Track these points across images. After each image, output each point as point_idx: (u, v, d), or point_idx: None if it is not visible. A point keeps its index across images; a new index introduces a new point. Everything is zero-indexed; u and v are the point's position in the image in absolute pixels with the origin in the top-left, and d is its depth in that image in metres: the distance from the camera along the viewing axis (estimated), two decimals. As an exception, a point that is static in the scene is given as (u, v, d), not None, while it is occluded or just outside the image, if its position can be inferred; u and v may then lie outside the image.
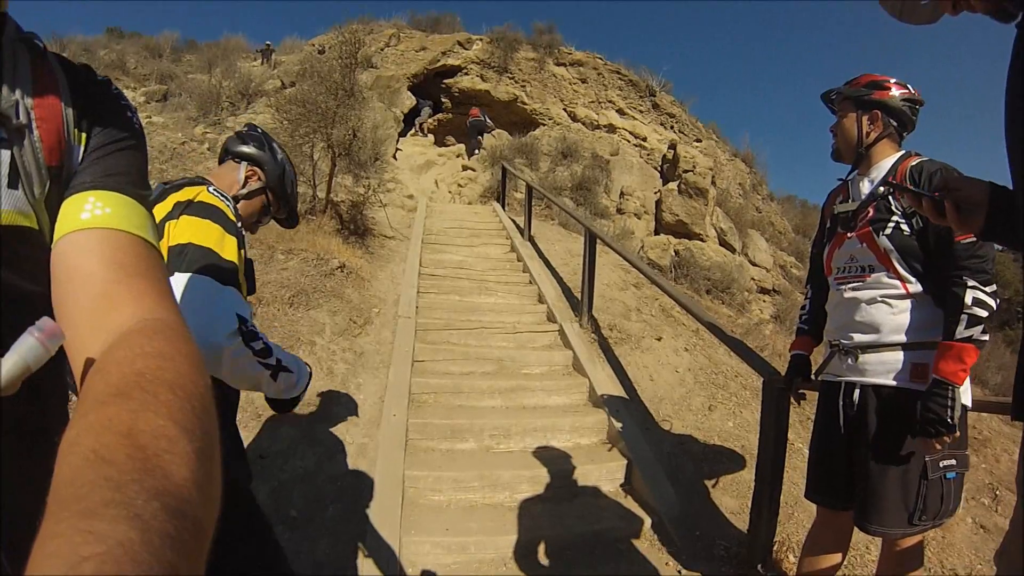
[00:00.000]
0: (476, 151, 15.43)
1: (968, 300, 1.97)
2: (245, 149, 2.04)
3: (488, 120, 15.96)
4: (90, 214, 0.70)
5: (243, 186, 2.00)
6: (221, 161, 2.11)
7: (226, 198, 1.76)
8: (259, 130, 2.16)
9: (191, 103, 12.95)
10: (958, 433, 1.99)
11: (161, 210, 1.66)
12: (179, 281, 1.50)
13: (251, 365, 1.55)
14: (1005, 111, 1.15)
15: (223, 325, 1.49)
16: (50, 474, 0.51)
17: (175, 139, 10.68)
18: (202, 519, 0.42)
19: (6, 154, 0.64)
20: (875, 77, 2.32)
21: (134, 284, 0.67)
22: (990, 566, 3.33)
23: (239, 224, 1.74)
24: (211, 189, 1.74)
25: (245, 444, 3.59)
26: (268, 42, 17.76)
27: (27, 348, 0.52)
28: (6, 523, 0.62)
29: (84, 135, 0.74)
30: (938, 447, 2.01)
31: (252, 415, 3.88)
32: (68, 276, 0.67)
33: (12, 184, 0.64)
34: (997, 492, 4.11)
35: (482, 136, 15.64)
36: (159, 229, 1.54)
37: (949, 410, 1.95)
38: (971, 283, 1.98)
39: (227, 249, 1.61)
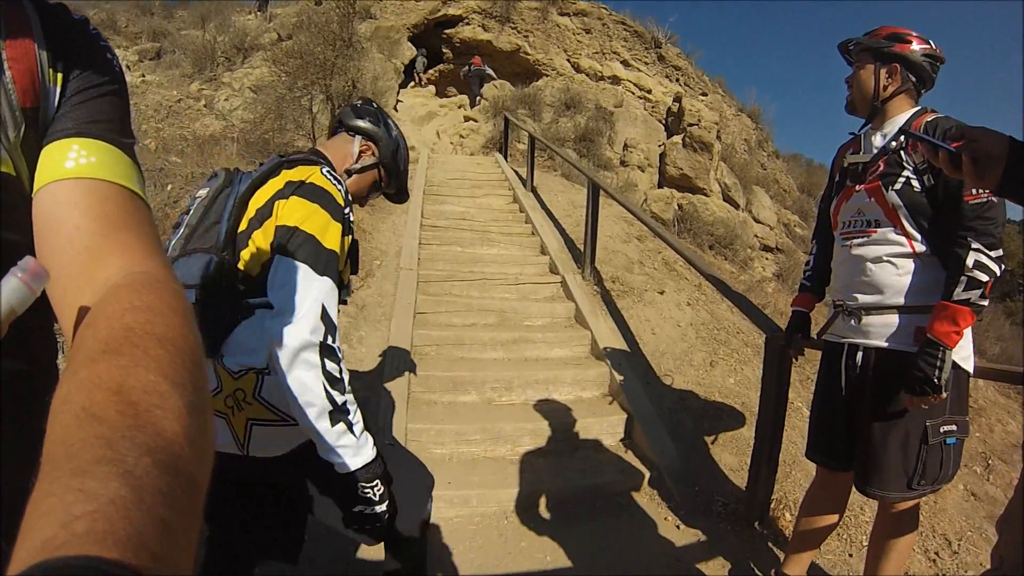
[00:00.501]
0: (478, 100, 15.37)
1: (969, 262, 1.93)
2: (360, 123, 2.01)
3: (489, 70, 15.79)
4: (74, 163, 0.67)
5: (356, 160, 1.98)
6: (334, 132, 2.10)
7: (338, 181, 1.73)
8: (374, 104, 2.13)
9: (185, 60, 12.76)
10: (944, 394, 1.98)
11: (273, 186, 1.68)
12: (281, 264, 1.55)
13: (313, 379, 1.48)
14: None
15: (309, 318, 1.49)
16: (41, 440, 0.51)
17: (171, 97, 10.54)
18: (195, 474, 0.42)
19: None
20: (896, 29, 2.24)
21: (121, 237, 0.65)
22: (980, 533, 3.38)
23: (347, 209, 1.71)
24: (324, 171, 1.71)
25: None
26: None
27: (10, 289, 0.49)
28: (6, 494, 0.61)
29: (60, 76, 0.70)
30: (924, 406, 2.01)
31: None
32: (53, 229, 0.64)
33: None
34: (990, 461, 4.14)
35: (483, 85, 15.57)
36: (269, 206, 1.63)
37: (937, 370, 1.93)
38: (975, 245, 1.93)
39: (330, 237, 1.60)
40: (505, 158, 11.71)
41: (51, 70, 0.69)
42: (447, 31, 17.05)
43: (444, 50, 17.37)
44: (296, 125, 8.25)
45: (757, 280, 9.48)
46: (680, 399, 4.44)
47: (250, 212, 1.66)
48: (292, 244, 1.55)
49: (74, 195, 0.66)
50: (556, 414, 4.12)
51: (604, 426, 4.14)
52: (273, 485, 1.75)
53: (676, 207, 11.47)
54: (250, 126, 8.54)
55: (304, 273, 1.52)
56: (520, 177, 9.92)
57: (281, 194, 1.64)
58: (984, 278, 1.92)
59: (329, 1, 10.35)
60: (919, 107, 2.25)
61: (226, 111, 10.71)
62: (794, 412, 4.08)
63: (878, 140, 2.27)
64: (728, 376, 4.84)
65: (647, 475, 3.68)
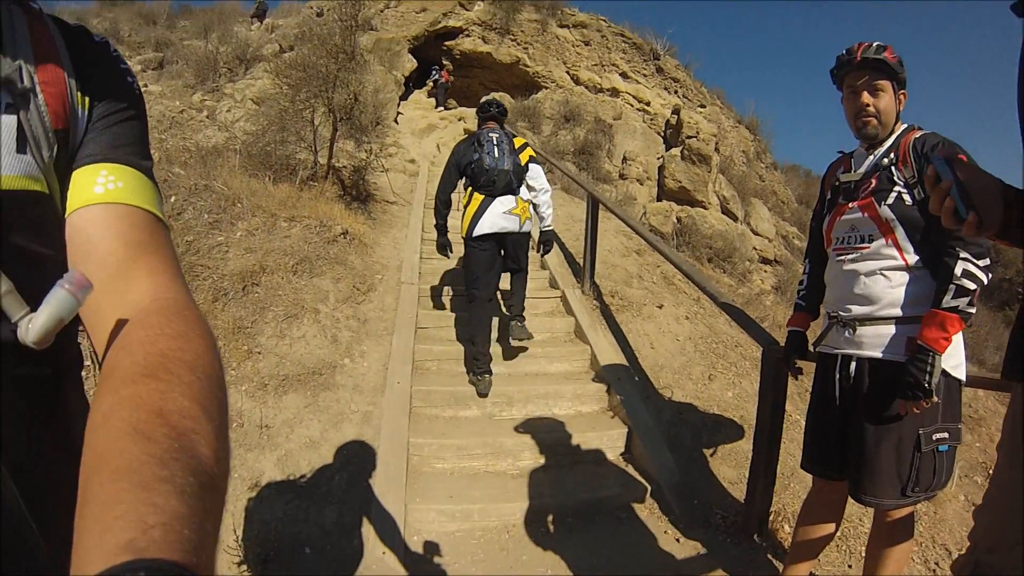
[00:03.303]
0: (442, 107, 17.23)
1: (958, 271, 1.99)
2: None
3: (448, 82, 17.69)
4: (103, 188, 0.72)
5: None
6: (497, 118, 4.95)
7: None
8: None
9: (188, 70, 12.74)
10: (936, 398, 2.03)
11: (520, 140, 4.84)
12: (538, 168, 4.94)
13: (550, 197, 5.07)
14: (1018, 104, 1.14)
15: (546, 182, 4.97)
16: (57, 427, 0.70)
17: (173, 107, 10.56)
18: (222, 488, 0.51)
19: (11, 119, 0.65)
20: (893, 52, 2.26)
21: (147, 260, 0.71)
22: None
23: None
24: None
25: (250, 414, 3.66)
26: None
27: (59, 300, 0.55)
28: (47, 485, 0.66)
29: (87, 100, 0.75)
30: (916, 411, 2.06)
31: (258, 385, 3.92)
32: (87, 251, 0.69)
33: (20, 149, 0.65)
34: (991, 471, 4.16)
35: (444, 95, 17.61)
36: (523, 147, 4.82)
37: (927, 375, 1.99)
38: (963, 255, 2.00)
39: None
40: (505, 171, 11.66)
41: (79, 94, 0.74)
42: (447, 43, 17.13)
43: (445, 62, 17.46)
44: (298, 137, 8.23)
45: (756, 293, 9.50)
46: (679, 413, 4.47)
47: (516, 145, 4.77)
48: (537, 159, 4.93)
49: (106, 220, 0.71)
50: (557, 428, 4.16)
51: (604, 440, 4.17)
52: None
53: (675, 220, 11.51)
54: (252, 138, 8.52)
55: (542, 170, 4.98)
56: (520, 190, 9.89)
57: (524, 147, 4.80)
58: (972, 286, 1.99)
59: (331, 13, 10.39)
60: (905, 124, 2.31)
61: (228, 122, 10.72)
62: (792, 425, 4.10)
63: (869, 158, 2.33)
64: (726, 389, 4.87)
65: (647, 488, 3.72)
